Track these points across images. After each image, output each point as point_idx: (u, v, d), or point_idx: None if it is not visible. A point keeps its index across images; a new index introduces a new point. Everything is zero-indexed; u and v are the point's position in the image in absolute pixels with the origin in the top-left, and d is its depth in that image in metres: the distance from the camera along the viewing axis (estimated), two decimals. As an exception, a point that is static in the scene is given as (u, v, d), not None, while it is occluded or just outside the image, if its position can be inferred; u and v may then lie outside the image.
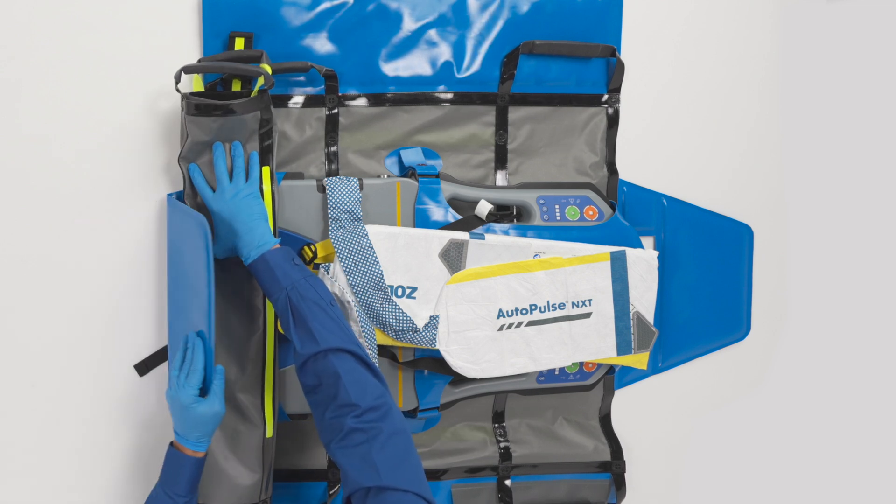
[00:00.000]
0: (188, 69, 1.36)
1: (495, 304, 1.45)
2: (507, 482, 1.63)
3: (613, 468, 1.68)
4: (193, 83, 1.43)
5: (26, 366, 1.47)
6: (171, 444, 1.31)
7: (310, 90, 1.53)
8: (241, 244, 1.31)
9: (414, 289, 1.42)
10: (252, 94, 1.35)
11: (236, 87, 1.44)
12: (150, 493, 1.32)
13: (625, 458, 1.68)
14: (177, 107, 1.46)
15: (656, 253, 1.56)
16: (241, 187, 1.34)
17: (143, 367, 1.50)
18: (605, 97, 1.64)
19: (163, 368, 1.51)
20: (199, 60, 1.43)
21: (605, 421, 1.69)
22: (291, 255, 1.31)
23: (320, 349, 1.23)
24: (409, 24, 1.55)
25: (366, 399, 1.20)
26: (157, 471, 1.51)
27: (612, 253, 1.51)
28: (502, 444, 1.64)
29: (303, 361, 1.25)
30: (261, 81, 1.36)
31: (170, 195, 1.44)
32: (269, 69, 1.38)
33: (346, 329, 1.27)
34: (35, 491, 1.49)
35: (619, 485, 1.67)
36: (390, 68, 1.55)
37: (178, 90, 1.34)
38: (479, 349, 1.46)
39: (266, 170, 1.38)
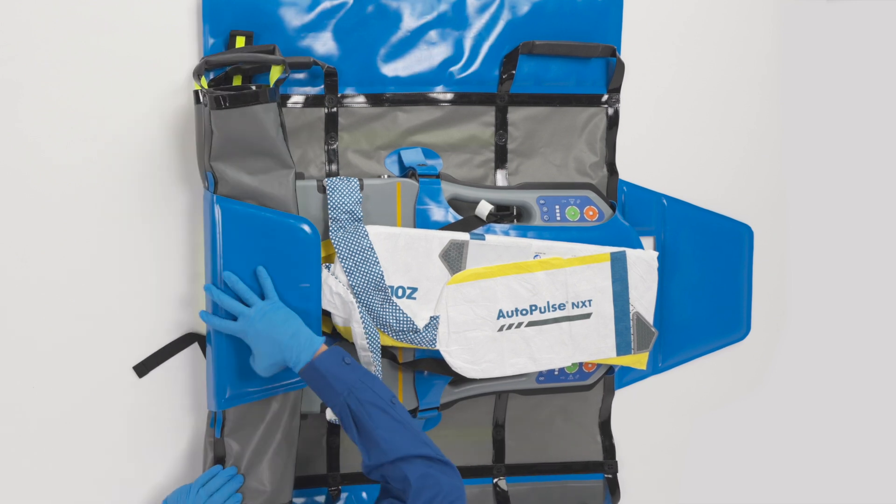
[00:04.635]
0: (211, 62, 1.36)
1: (495, 304, 1.45)
2: (504, 485, 1.63)
3: (606, 468, 1.68)
4: (193, 84, 1.43)
5: (26, 367, 1.47)
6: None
7: (309, 90, 1.52)
8: (288, 353, 1.27)
9: (414, 289, 1.42)
10: (270, 84, 1.36)
11: (237, 83, 1.43)
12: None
13: (617, 459, 1.69)
14: (178, 106, 1.46)
15: (656, 253, 1.56)
16: (262, 305, 1.32)
17: (143, 368, 1.50)
18: (605, 97, 1.64)
19: (162, 369, 1.51)
20: (201, 58, 1.42)
21: (605, 425, 1.69)
22: (342, 354, 1.27)
23: (388, 459, 1.19)
24: (408, 24, 1.55)
25: None
26: (157, 471, 1.52)
27: (612, 253, 1.51)
28: (500, 445, 1.64)
29: (372, 469, 1.22)
30: (278, 72, 1.36)
31: (206, 192, 1.37)
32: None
33: (411, 429, 1.22)
34: (35, 491, 1.49)
35: (613, 488, 1.67)
36: (389, 68, 1.55)
37: (201, 87, 1.34)
38: (479, 349, 1.45)
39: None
